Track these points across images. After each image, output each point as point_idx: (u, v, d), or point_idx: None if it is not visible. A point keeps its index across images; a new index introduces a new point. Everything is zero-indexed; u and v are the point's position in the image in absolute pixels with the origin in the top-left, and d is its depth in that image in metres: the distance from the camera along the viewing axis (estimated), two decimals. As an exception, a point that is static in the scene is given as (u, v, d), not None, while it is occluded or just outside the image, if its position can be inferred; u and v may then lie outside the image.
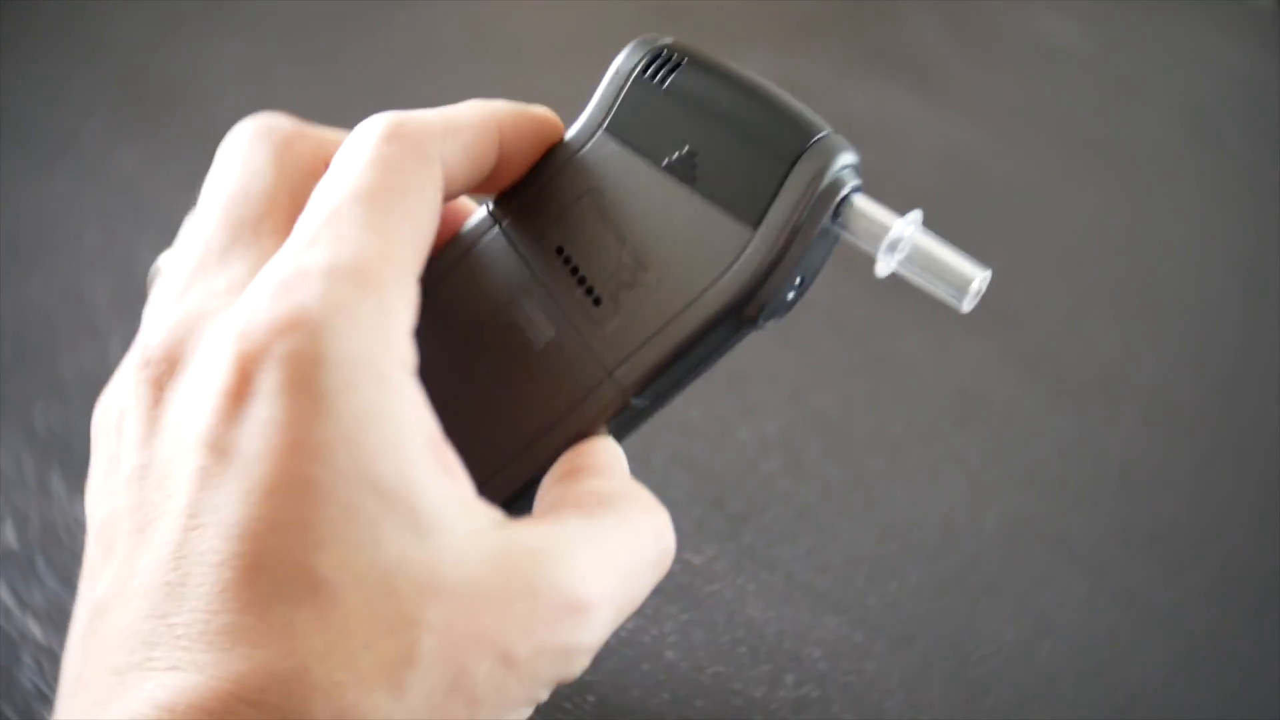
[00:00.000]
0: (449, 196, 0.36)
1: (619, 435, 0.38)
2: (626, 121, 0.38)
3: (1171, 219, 0.69)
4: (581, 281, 0.37)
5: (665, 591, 0.49)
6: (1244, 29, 0.81)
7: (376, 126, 0.34)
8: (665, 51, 0.38)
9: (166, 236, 0.39)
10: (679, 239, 0.36)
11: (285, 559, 0.29)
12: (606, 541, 0.33)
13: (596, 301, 0.37)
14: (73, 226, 0.64)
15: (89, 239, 0.63)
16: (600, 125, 0.38)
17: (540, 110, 0.38)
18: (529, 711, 0.32)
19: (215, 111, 0.73)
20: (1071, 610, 0.51)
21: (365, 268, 0.31)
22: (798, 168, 0.35)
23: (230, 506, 0.29)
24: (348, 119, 0.73)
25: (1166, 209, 0.70)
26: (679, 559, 0.50)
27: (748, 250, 0.35)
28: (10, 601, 0.47)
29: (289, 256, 0.32)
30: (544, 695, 0.32)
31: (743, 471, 0.55)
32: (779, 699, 0.47)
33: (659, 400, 0.38)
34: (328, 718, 0.28)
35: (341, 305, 0.30)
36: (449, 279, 0.38)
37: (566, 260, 0.37)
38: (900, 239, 0.35)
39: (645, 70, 0.38)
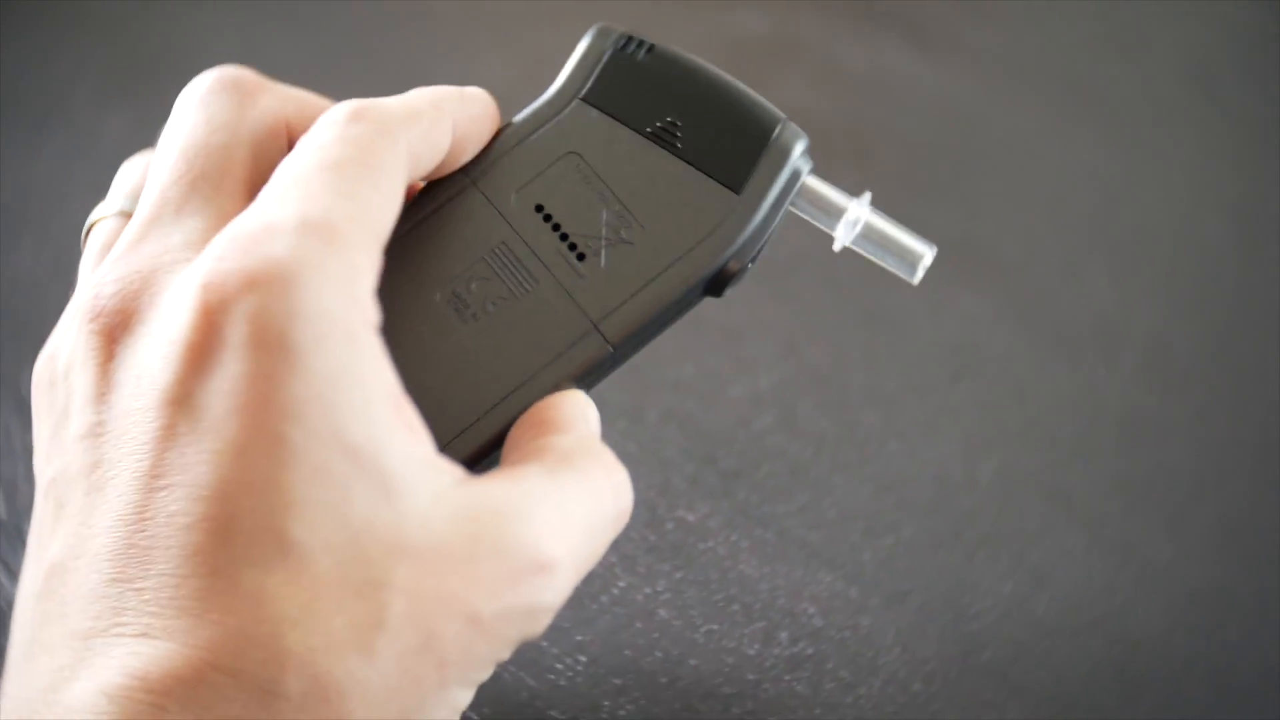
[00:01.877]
0: (411, 182, 0.36)
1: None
2: (605, 91, 0.39)
3: (1168, 169, 0.69)
4: (564, 238, 0.38)
5: (658, 550, 0.49)
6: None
7: (341, 109, 0.34)
8: (633, 36, 0.40)
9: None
10: (665, 198, 0.38)
11: (257, 522, 0.28)
12: (568, 499, 0.32)
13: (580, 257, 0.38)
14: (61, 195, 0.63)
15: (78, 207, 0.62)
16: (576, 94, 0.39)
17: (481, 93, 0.38)
18: (491, 672, 0.32)
19: (204, 77, 0.72)
20: (1069, 563, 0.51)
21: (334, 226, 0.31)
22: (771, 146, 0.39)
23: (200, 467, 0.29)
24: (338, 86, 0.73)
25: (1163, 159, 0.69)
26: (671, 516, 0.51)
27: (735, 210, 0.38)
28: (-1, 571, 0.47)
29: (256, 213, 0.31)
30: (508, 655, 0.32)
31: (736, 428, 0.54)
32: (773, 656, 0.47)
33: (621, 362, 0.38)
34: (301, 684, 0.28)
35: (311, 260, 0.30)
36: (418, 232, 0.38)
37: (547, 217, 0.38)
38: (858, 218, 0.39)
39: (623, 47, 0.40)
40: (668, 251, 0.38)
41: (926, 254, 0.39)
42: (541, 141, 0.39)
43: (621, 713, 0.44)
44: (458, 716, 0.31)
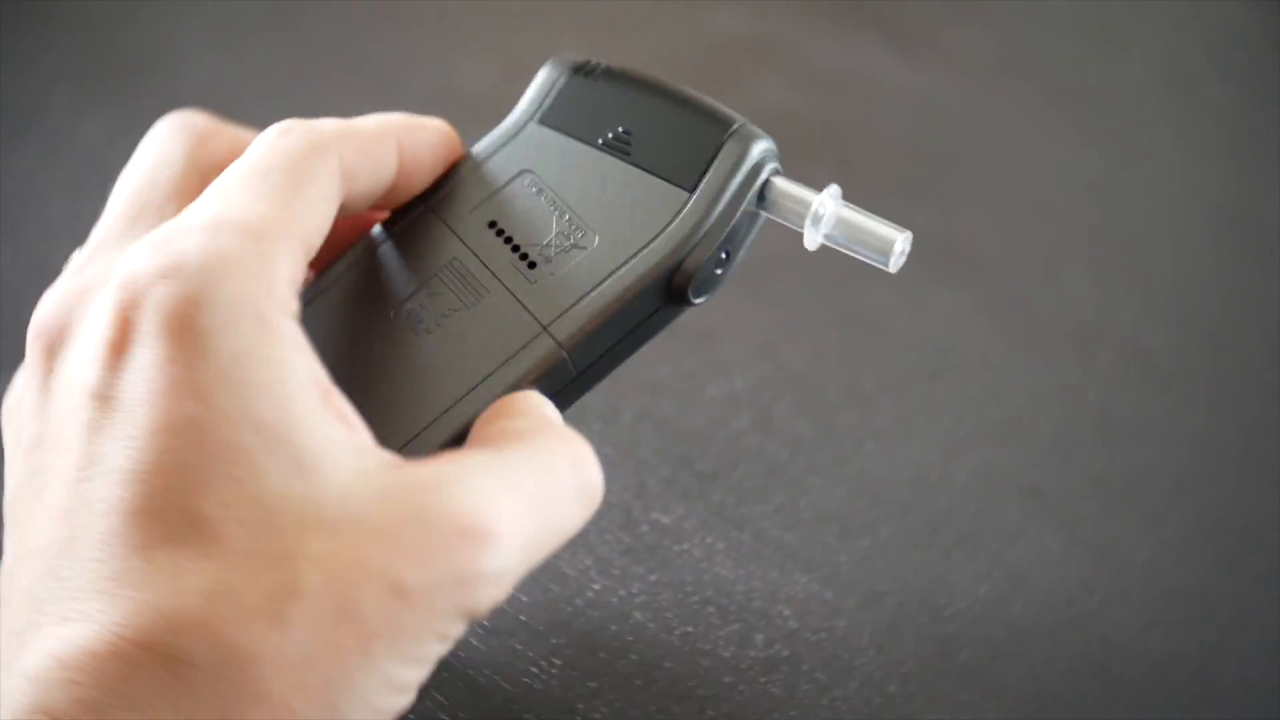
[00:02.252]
0: (352, 203, 0.37)
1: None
2: (560, 113, 0.40)
3: (1148, 168, 0.69)
4: (516, 249, 0.39)
5: (633, 552, 0.49)
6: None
7: (274, 126, 0.36)
8: (589, 61, 0.41)
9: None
10: (617, 203, 0.39)
11: (170, 501, 0.30)
12: (512, 470, 0.33)
13: (531, 265, 0.38)
14: (40, 198, 0.64)
15: (56, 210, 0.63)
16: (532, 117, 0.40)
17: (436, 122, 0.40)
18: (442, 648, 0.32)
19: (183, 82, 0.72)
20: (1046, 563, 0.51)
21: (249, 223, 0.32)
22: (726, 146, 0.39)
23: (117, 455, 0.30)
24: (316, 89, 0.73)
25: (1144, 158, 0.69)
26: (647, 519, 0.50)
27: (688, 207, 0.38)
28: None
29: (176, 219, 0.33)
30: (453, 630, 0.32)
31: (712, 429, 0.54)
32: (748, 659, 0.46)
33: (587, 373, 0.39)
34: (213, 653, 0.29)
35: (221, 251, 0.31)
36: (374, 258, 0.39)
37: (500, 232, 0.39)
38: (824, 213, 0.39)
39: (577, 70, 0.41)
40: (620, 252, 0.38)
41: (899, 239, 0.38)
42: (496, 163, 0.40)
43: (596, 715, 0.44)
44: (402, 694, 0.31)
